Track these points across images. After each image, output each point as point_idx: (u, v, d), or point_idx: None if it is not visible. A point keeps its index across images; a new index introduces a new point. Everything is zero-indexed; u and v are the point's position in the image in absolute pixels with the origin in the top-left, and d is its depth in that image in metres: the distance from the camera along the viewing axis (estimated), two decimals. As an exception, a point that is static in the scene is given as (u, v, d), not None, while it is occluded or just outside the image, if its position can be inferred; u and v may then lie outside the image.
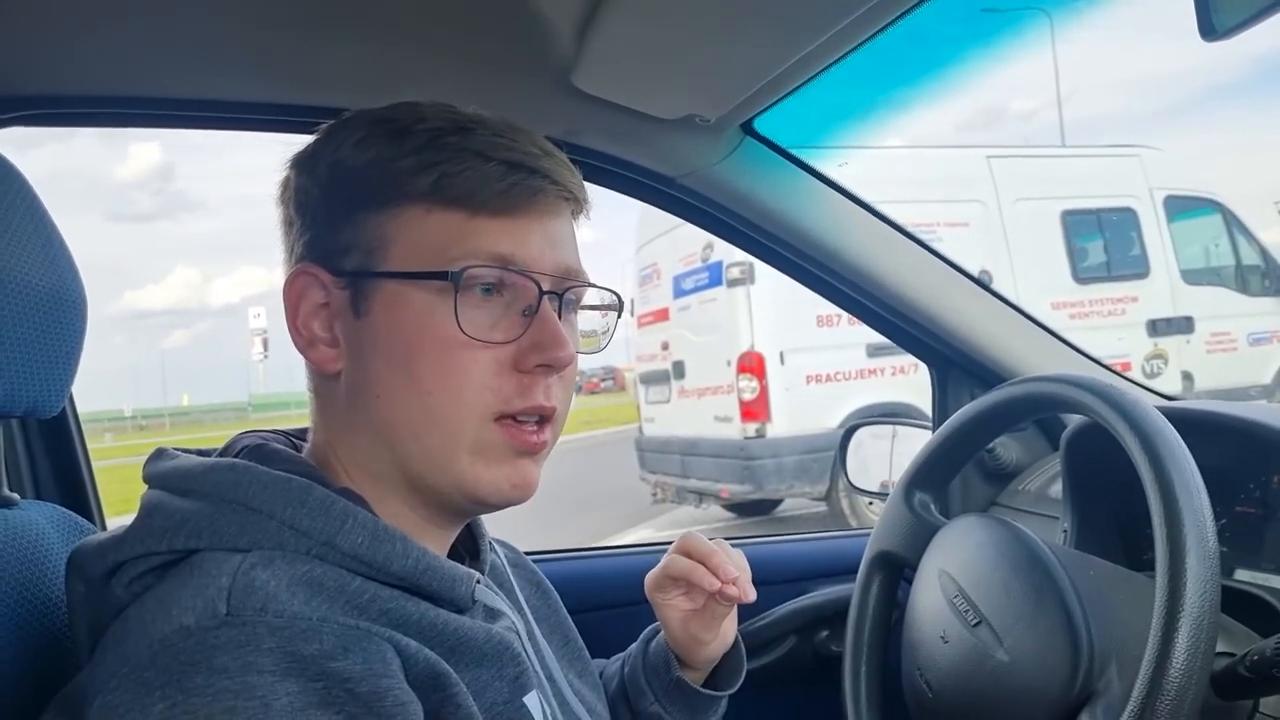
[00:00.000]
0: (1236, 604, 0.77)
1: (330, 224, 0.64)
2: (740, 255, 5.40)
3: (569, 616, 0.87)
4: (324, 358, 0.65)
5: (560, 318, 0.65)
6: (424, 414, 0.62)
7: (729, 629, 0.90)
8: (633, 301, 7.16)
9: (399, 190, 0.62)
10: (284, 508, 0.58)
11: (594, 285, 0.69)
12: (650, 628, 0.94)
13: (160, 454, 0.65)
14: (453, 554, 0.71)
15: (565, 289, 0.66)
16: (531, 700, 0.64)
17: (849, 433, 1.49)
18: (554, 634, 0.83)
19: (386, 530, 0.60)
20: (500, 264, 0.62)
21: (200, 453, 0.66)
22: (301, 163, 0.67)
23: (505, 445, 0.63)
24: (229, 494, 0.59)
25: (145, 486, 0.63)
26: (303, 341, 0.65)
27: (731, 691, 0.92)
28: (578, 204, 0.68)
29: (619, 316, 0.72)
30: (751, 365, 5.63)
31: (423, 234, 0.62)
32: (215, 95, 1.04)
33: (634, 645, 0.95)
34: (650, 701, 0.89)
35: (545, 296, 0.64)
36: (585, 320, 0.71)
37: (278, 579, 0.55)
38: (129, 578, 0.58)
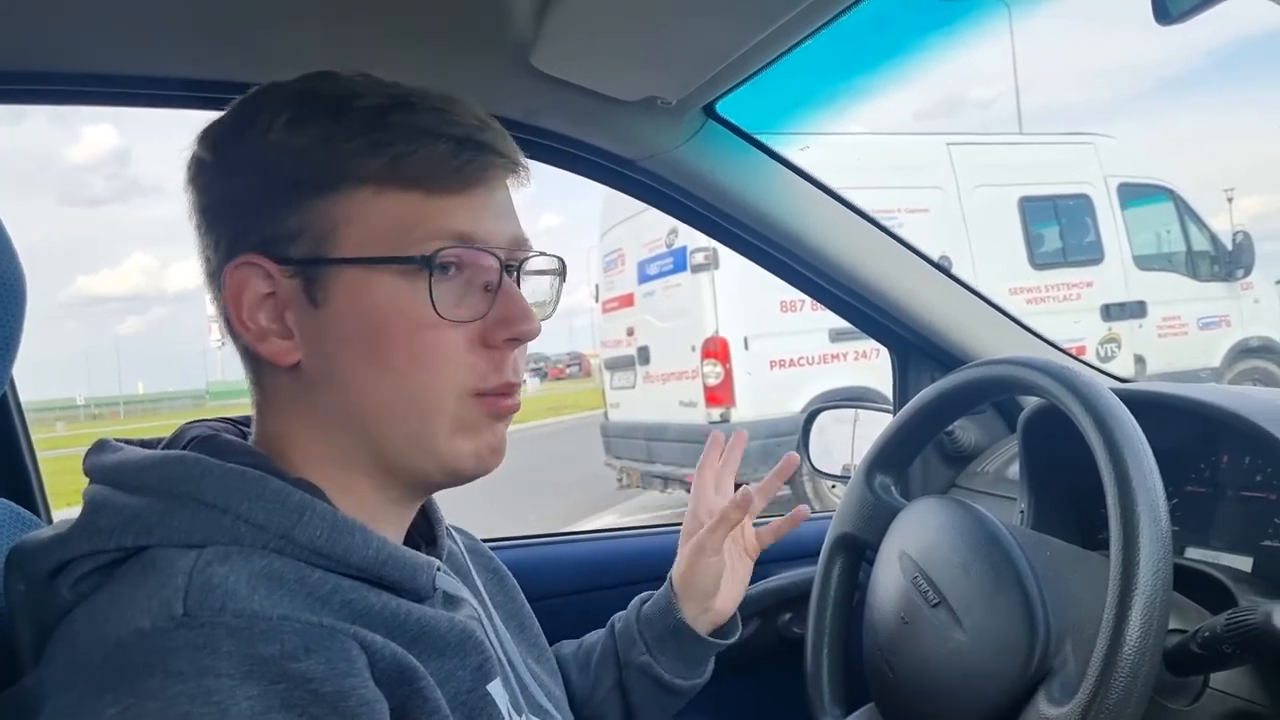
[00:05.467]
0: (1188, 582, 0.78)
1: (268, 210, 0.61)
2: (704, 241, 5.40)
3: (527, 603, 0.87)
4: (278, 350, 0.62)
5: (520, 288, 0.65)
6: (401, 398, 0.61)
7: None
8: (597, 287, 7.14)
9: (346, 172, 0.60)
10: (239, 501, 0.56)
11: (543, 254, 0.68)
12: (638, 598, 0.96)
13: (102, 446, 0.62)
14: (409, 541, 0.70)
15: (520, 260, 0.66)
16: (495, 688, 0.63)
17: (811, 416, 1.49)
18: (510, 620, 0.82)
19: (346, 521, 0.59)
20: (462, 242, 0.62)
21: (145, 443, 0.64)
22: (220, 144, 0.63)
23: (483, 415, 0.64)
24: (179, 488, 0.57)
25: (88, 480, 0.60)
26: (251, 336, 0.62)
27: (732, 641, 0.95)
28: (520, 172, 0.67)
29: (562, 281, 0.72)
30: (716, 350, 5.64)
31: (378, 217, 0.60)
32: (162, 73, 1.01)
33: (621, 613, 0.97)
34: (641, 651, 0.91)
35: (505, 270, 0.63)
36: (533, 288, 0.70)
37: (236, 574, 0.53)
38: (75, 577, 0.55)
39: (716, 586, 0.93)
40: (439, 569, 0.64)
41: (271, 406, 0.65)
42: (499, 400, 0.64)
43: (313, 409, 0.63)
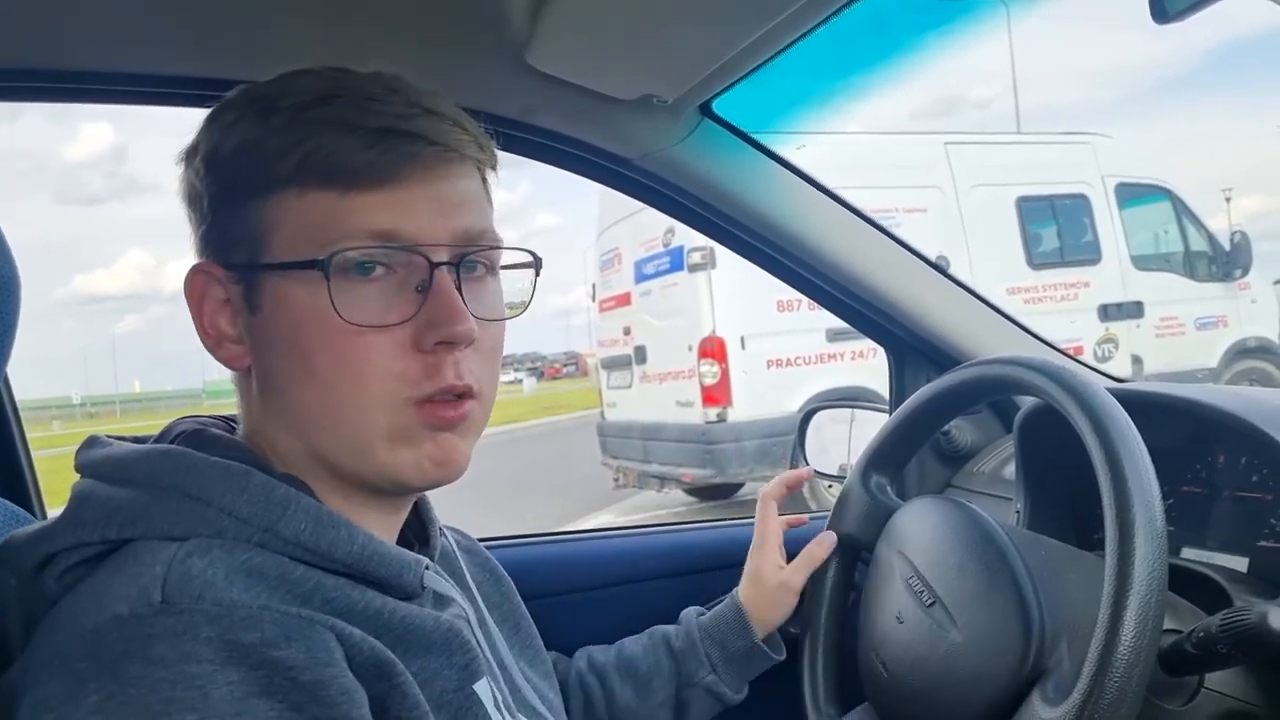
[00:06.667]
0: (1183, 582, 0.78)
1: (215, 215, 0.61)
2: (701, 240, 5.40)
3: (522, 604, 0.87)
4: (231, 355, 0.63)
5: (462, 287, 0.60)
6: (329, 407, 0.60)
7: None
8: (594, 286, 7.14)
9: (271, 175, 0.58)
10: (222, 494, 0.56)
11: (498, 246, 0.64)
12: (691, 613, 1.00)
13: (93, 441, 0.62)
14: (402, 540, 0.70)
15: (463, 256, 0.61)
16: (482, 687, 0.63)
17: (807, 416, 1.49)
18: (505, 622, 0.82)
19: (330, 516, 0.58)
20: (380, 241, 0.58)
21: (137, 440, 0.64)
22: (186, 155, 0.63)
23: (422, 425, 0.60)
24: (164, 481, 0.57)
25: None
26: (210, 341, 0.63)
27: (781, 658, 0.99)
28: (470, 160, 0.62)
29: (536, 275, 0.67)
30: (713, 350, 5.64)
31: (298, 219, 0.58)
32: (161, 70, 1.00)
33: (673, 628, 1.00)
34: (707, 671, 0.94)
35: (440, 268, 0.59)
36: (511, 286, 0.67)
37: (215, 567, 0.53)
38: (61, 569, 0.56)
39: (784, 619, 0.99)
40: (427, 567, 0.64)
41: (246, 406, 0.66)
42: (437, 410, 0.60)
43: (267, 413, 0.63)
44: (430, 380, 0.60)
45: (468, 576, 0.77)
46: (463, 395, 0.61)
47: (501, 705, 0.66)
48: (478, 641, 0.66)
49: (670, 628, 1.00)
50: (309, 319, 0.58)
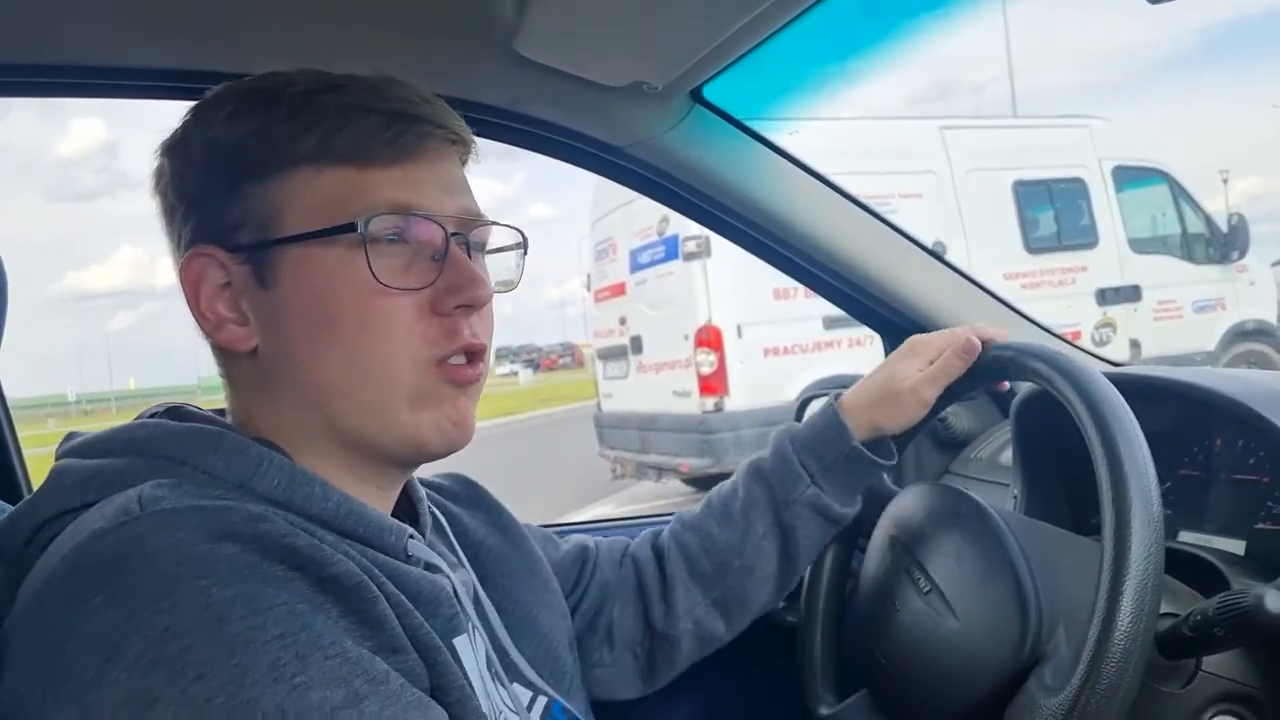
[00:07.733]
0: (1180, 565, 0.78)
1: (215, 203, 0.63)
2: (696, 229, 5.37)
3: (529, 539, 0.88)
4: (235, 337, 0.64)
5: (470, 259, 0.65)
6: (354, 370, 0.62)
7: None
8: (589, 277, 7.12)
9: (282, 156, 0.62)
10: (196, 453, 0.58)
11: (497, 223, 0.69)
12: (781, 431, 0.94)
13: (72, 435, 0.64)
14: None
15: (469, 230, 0.66)
16: (462, 643, 0.64)
17: (805, 404, 1.48)
18: (519, 569, 0.83)
19: (304, 474, 0.60)
20: (402, 212, 0.62)
21: None
22: (173, 149, 0.65)
23: (442, 384, 0.64)
24: (141, 448, 0.59)
25: None
26: (209, 325, 0.64)
27: (892, 463, 0.92)
28: (465, 147, 0.68)
29: (525, 254, 0.72)
30: (709, 339, 5.63)
31: (317, 194, 0.62)
32: (151, 64, 1.00)
33: (758, 457, 0.94)
34: (806, 484, 0.89)
35: (454, 238, 0.64)
36: (497, 266, 0.71)
37: (185, 499, 0.54)
38: (46, 540, 0.56)
39: (905, 426, 0.91)
40: (412, 536, 0.64)
41: (239, 394, 0.67)
42: (458, 369, 0.64)
43: (276, 393, 0.64)
44: (448, 340, 0.63)
45: (459, 551, 0.77)
46: (475, 355, 0.65)
47: (493, 672, 0.68)
48: (462, 605, 0.67)
49: (759, 454, 0.95)
50: (338, 282, 0.61)
